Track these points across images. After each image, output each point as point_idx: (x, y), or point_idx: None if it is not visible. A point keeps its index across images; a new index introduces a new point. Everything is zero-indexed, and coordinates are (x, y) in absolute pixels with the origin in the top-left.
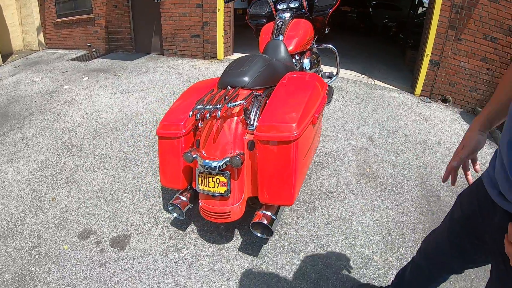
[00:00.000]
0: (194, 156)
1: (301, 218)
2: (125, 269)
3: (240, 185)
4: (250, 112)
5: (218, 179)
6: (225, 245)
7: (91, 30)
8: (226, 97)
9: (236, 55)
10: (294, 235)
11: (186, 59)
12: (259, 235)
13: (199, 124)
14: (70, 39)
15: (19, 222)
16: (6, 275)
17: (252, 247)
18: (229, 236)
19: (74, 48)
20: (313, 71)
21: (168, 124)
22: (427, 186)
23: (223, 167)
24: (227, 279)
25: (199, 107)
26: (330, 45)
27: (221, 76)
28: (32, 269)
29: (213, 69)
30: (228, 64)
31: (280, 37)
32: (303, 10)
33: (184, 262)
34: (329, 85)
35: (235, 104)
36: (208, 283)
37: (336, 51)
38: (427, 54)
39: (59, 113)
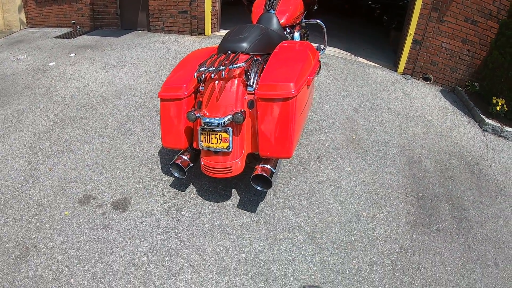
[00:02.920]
0: (197, 115)
1: (293, 179)
2: (128, 229)
3: (241, 142)
4: (250, 74)
5: (221, 136)
6: (224, 203)
7: (75, 7)
8: (226, 61)
9: (223, 32)
10: (288, 193)
11: (174, 35)
12: (259, 188)
13: (200, 87)
14: (53, 17)
15: (16, 193)
16: (7, 245)
17: (249, 204)
18: (227, 195)
19: (57, 26)
20: (308, 39)
21: (170, 87)
22: (409, 153)
23: (226, 123)
24: (228, 233)
25: (202, 69)
26: (318, 21)
27: (221, 42)
28: (34, 236)
29: (200, 45)
30: (225, 33)
31: (272, 11)
32: None
33: (185, 220)
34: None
35: (237, 66)
36: (210, 237)
37: (324, 26)
38: (410, 34)
39: (48, 88)
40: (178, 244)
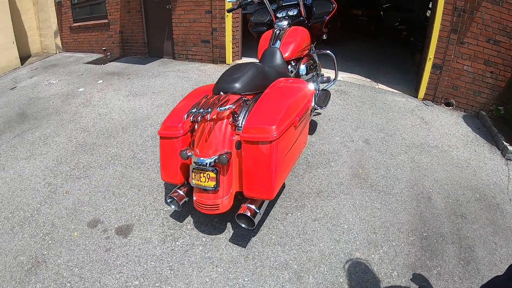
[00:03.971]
0: (189, 154)
1: (290, 214)
2: (127, 254)
3: (228, 181)
4: (238, 116)
5: (208, 175)
6: (217, 236)
7: (106, 35)
8: (217, 102)
9: (244, 59)
10: (282, 229)
11: (197, 63)
12: (243, 225)
13: (196, 126)
14: (86, 43)
15: (35, 211)
16: (21, 258)
17: (241, 238)
18: (221, 228)
19: (89, 52)
20: (309, 76)
21: (168, 125)
22: (419, 187)
23: (213, 164)
24: (216, 266)
25: (193, 110)
26: (328, 51)
27: (216, 82)
28: (45, 252)
29: (221, 73)
30: (223, 72)
31: (277, 44)
32: (301, 18)
33: (179, 250)
34: (326, 90)
35: (225, 108)
36: (199, 268)
37: (334, 57)
38: (430, 58)
39: (75, 114)
40: (169, 272)
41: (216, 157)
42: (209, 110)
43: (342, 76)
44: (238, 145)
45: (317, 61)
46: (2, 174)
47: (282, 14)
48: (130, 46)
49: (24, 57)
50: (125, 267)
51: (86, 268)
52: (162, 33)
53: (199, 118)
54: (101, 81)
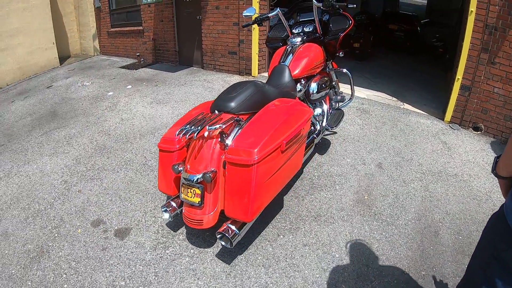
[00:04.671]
0: (180, 169)
1: (281, 236)
2: (119, 255)
3: (214, 198)
4: (228, 136)
5: (194, 191)
6: (205, 249)
7: (141, 41)
8: (208, 120)
9: None
10: (270, 251)
11: (223, 74)
12: (222, 243)
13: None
14: (122, 47)
15: (48, 206)
16: (29, 246)
17: (228, 255)
18: (211, 242)
19: (124, 56)
20: (321, 94)
21: (166, 139)
22: (427, 220)
23: (198, 181)
24: (198, 279)
25: (185, 127)
26: (344, 70)
27: (214, 100)
28: (50, 244)
29: None
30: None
31: (287, 62)
32: (317, 34)
33: (167, 258)
34: (339, 109)
35: (213, 128)
36: (181, 279)
37: (350, 75)
38: (458, 78)
39: (100, 117)
40: (153, 278)
41: (201, 175)
42: (199, 128)
43: (367, 93)
44: (225, 164)
45: (335, 79)
46: (26, 168)
47: (298, 30)
48: (162, 53)
49: (64, 58)
50: (115, 267)
51: (82, 263)
52: (192, 43)
53: (187, 136)
54: (130, 86)
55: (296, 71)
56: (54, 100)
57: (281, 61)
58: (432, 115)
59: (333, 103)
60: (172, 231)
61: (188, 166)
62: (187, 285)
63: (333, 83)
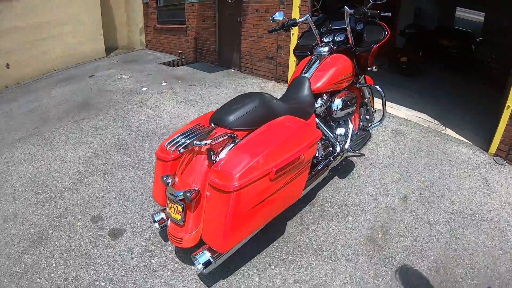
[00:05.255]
0: (168, 181)
1: (272, 267)
2: (107, 256)
3: (196, 218)
4: (216, 153)
5: (177, 207)
6: (189, 266)
7: (183, 39)
8: (200, 133)
9: None
10: (256, 281)
11: (260, 79)
12: (198, 266)
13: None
14: (166, 44)
15: (58, 194)
16: (32, 230)
17: (211, 277)
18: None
19: (168, 53)
20: (346, 112)
21: (163, 147)
22: (446, 273)
23: (179, 198)
24: None
25: (175, 139)
26: (377, 86)
27: (215, 111)
28: (50, 232)
29: (280, 92)
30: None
31: (308, 74)
32: (348, 45)
33: (150, 267)
34: (366, 131)
35: (200, 144)
36: None
37: (382, 93)
38: (508, 106)
39: (128, 111)
40: (132, 285)
41: (182, 192)
42: (186, 142)
43: (407, 113)
44: None
45: (367, 96)
46: (50, 154)
47: (329, 39)
48: (202, 53)
49: (111, 49)
50: (100, 267)
51: (72, 256)
52: (232, 45)
53: (172, 149)
54: (165, 83)
55: (318, 85)
56: (91, 90)
57: (303, 72)
58: (476, 145)
59: (361, 123)
60: (162, 241)
61: (176, 180)
62: None
63: (365, 100)
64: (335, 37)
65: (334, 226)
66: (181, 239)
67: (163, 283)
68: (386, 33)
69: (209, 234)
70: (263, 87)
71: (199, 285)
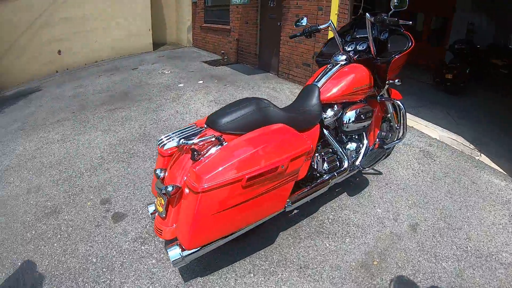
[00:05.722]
0: (159, 175)
1: (251, 275)
2: (105, 236)
3: (176, 213)
4: (200, 154)
5: (161, 200)
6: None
7: (226, 40)
8: (189, 133)
9: None
10: (231, 285)
11: (295, 85)
12: (170, 255)
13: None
14: (211, 43)
15: (79, 175)
16: (48, 203)
17: (190, 272)
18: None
19: (212, 52)
20: (358, 126)
21: None
22: None
23: (162, 192)
24: (151, 284)
25: (168, 135)
26: (398, 102)
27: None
28: (63, 207)
29: None
30: None
31: (321, 82)
32: (370, 55)
33: (138, 253)
34: (382, 148)
35: (186, 143)
36: (138, 277)
37: (403, 109)
38: None
39: (160, 106)
40: (118, 266)
41: (164, 187)
42: (172, 139)
43: (442, 134)
44: None
45: (390, 111)
46: (80, 138)
47: (351, 48)
48: (243, 54)
49: (159, 44)
50: (96, 245)
51: (76, 231)
52: (272, 49)
53: (159, 145)
54: (201, 82)
55: (328, 95)
56: (132, 82)
57: (315, 80)
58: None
59: (377, 140)
60: None
61: (166, 174)
62: (139, 285)
63: (388, 115)
64: (358, 46)
65: (327, 245)
66: (162, 231)
67: (145, 270)
68: (410, 43)
69: (179, 230)
70: (295, 93)
71: (177, 278)
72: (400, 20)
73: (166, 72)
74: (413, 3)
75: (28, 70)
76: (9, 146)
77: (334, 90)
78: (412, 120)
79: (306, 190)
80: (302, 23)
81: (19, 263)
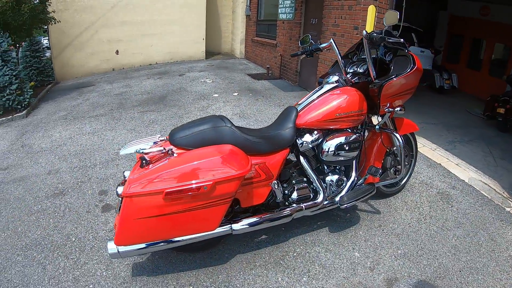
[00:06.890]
0: (124, 175)
1: (219, 277)
2: (89, 221)
3: None
4: (147, 162)
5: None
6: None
7: (272, 55)
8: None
9: None
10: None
11: None
12: (108, 247)
13: None
14: (259, 56)
15: (92, 166)
16: (60, 185)
17: (141, 269)
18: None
19: (260, 65)
20: (340, 158)
21: None
22: None
23: (119, 192)
24: (106, 270)
25: (133, 143)
26: (396, 135)
27: None
28: (69, 191)
29: None
30: None
31: (302, 105)
32: (369, 78)
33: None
34: (371, 185)
35: (139, 151)
36: (99, 261)
37: (401, 144)
38: None
39: (188, 113)
40: (89, 248)
41: (118, 187)
42: (132, 146)
43: (473, 176)
44: None
45: (396, 144)
46: (107, 133)
47: (352, 69)
48: (286, 70)
49: (212, 53)
50: (80, 227)
51: (71, 213)
52: (311, 67)
53: (120, 151)
54: (236, 94)
55: (305, 119)
56: (173, 87)
57: (300, 102)
58: None
59: (367, 174)
60: None
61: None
62: (97, 268)
63: (393, 148)
64: (358, 68)
65: (279, 279)
66: (115, 225)
67: (107, 257)
68: (413, 66)
69: (116, 226)
70: None
71: (128, 271)
72: (412, 26)
73: (208, 81)
74: (478, 28)
75: (87, 64)
76: (49, 131)
77: (313, 115)
78: (443, 156)
79: (257, 218)
80: (306, 41)
81: (19, 229)
